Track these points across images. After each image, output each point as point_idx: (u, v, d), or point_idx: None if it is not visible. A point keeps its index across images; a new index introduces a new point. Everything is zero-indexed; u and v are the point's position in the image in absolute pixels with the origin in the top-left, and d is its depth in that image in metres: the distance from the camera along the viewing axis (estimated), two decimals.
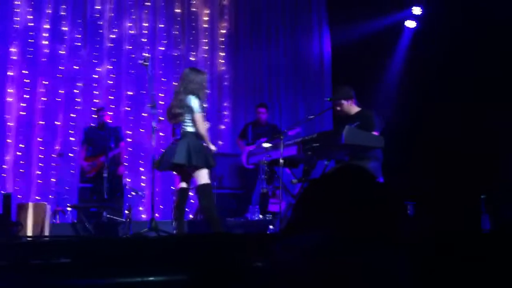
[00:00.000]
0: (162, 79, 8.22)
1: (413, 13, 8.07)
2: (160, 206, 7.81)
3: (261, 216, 6.13)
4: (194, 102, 4.86)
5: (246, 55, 8.79)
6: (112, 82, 8.01)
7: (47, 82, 7.62)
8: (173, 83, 7.84)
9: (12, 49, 7.50)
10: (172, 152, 4.87)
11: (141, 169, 7.95)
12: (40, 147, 7.50)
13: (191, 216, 7.14)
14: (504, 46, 6.59)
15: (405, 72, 7.91)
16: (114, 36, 8.11)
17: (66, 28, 7.82)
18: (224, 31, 8.84)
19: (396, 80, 8.01)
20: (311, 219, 1.31)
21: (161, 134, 7.63)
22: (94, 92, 7.88)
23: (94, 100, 7.84)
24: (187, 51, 8.54)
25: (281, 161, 4.96)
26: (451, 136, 6.74)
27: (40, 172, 7.44)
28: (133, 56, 8.05)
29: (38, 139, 7.50)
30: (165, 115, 5.13)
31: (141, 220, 7.20)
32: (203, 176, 4.87)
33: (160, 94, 7.97)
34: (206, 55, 8.66)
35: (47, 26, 7.73)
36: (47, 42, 7.70)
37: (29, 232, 5.29)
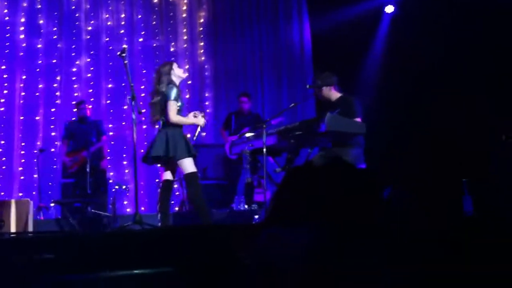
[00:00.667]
0: (142, 71, 8.14)
1: None
2: (145, 200, 7.78)
3: (246, 206, 6.13)
4: (169, 89, 4.82)
5: (226, 44, 8.69)
6: (91, 75, 7.91)
7: (25, 77, 7.50)
8: (153, 75, 7.76)
9: None
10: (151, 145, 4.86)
11: (124, 162, 7.88)
12: (22, 143, 7.40)
13: (176, 208, 7.12)
14: (483, 30, 6.63)
15: (386, 57, 7.92)
16: (91, 28, 8.00)
17: (42, 21, 7.70)
18: (203, 20, 8.76)
19: (377, 65, 8.02)
20: (294, 209, 1.31)
21: (144, 126, 7.59)
22: (73, 85, 7.78)
23: (74, 94, 7.75)
24: (166, 41, 8.45)
25: (264, 150, 4.95)
26: (433, 120, 6.79)
27: (22, 168, 7.34)
28: (111, 48, 7.94)
29: (19, 135, 7.40)
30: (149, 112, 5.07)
31: (126, 214, 7.15)
32: (187, 165, 4.81)
33: (141, 87, 7.91)
34: (185, 45, 8.58)
35: (23, 20, 7.60)
36: (23, 36, 7.57)
37: (13, 229, 5.23)
